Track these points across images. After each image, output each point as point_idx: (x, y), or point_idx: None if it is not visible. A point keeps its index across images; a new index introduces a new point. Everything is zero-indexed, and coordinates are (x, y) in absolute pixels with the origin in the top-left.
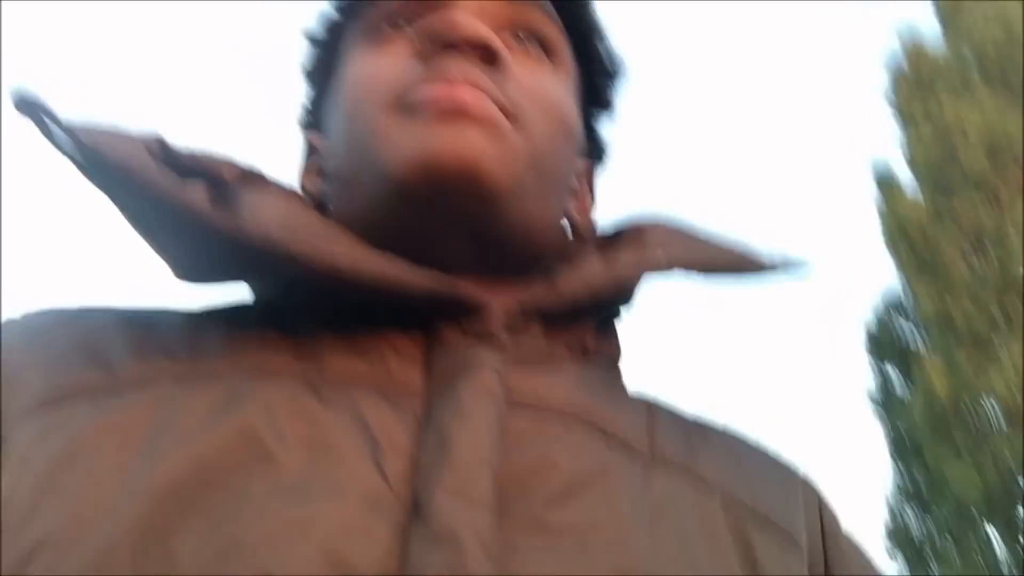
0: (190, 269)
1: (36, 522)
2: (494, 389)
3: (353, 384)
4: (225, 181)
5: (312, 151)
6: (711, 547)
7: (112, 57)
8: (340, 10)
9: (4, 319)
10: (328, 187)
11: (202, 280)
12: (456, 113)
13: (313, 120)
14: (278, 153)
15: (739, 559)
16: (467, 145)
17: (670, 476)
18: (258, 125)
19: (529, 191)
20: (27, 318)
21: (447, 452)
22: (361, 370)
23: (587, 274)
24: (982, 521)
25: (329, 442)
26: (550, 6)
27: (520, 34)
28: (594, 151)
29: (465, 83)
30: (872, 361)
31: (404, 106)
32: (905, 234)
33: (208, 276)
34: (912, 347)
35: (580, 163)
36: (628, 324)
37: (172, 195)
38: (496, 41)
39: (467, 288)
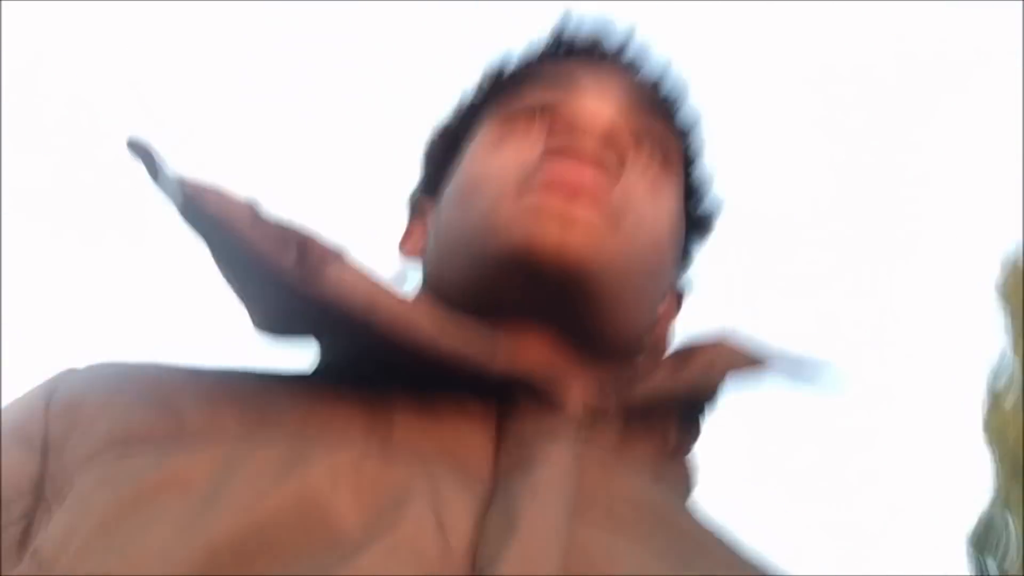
0: (270, 320)
1: (90, 563)
2: (568, 480)
3: (422, 452)
4: (310, 252)
5: (419, 214)
6: None
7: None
8: (481, 91)
9: (65, 369)
10: (429, 254)
11: (279, 332)
12: (569, 194)
13: (427, 188)
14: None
15: None
16: (571, 240)
17: None
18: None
19: (618, 291)
20: (94, 369)
21: (514, 531)
22: (431, 437)
23: (658, 379)
24: None
25: (393, 517)
26: (679, 122)
27: (644, 140)
28: (686, 268)
29: (582, 171)
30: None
31: (524, 189)
32: (1003, 438)
33: (287, 329)
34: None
35: (673, 280)
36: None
37: (265, 252)
38: (623, 140)
39: (543, 371)
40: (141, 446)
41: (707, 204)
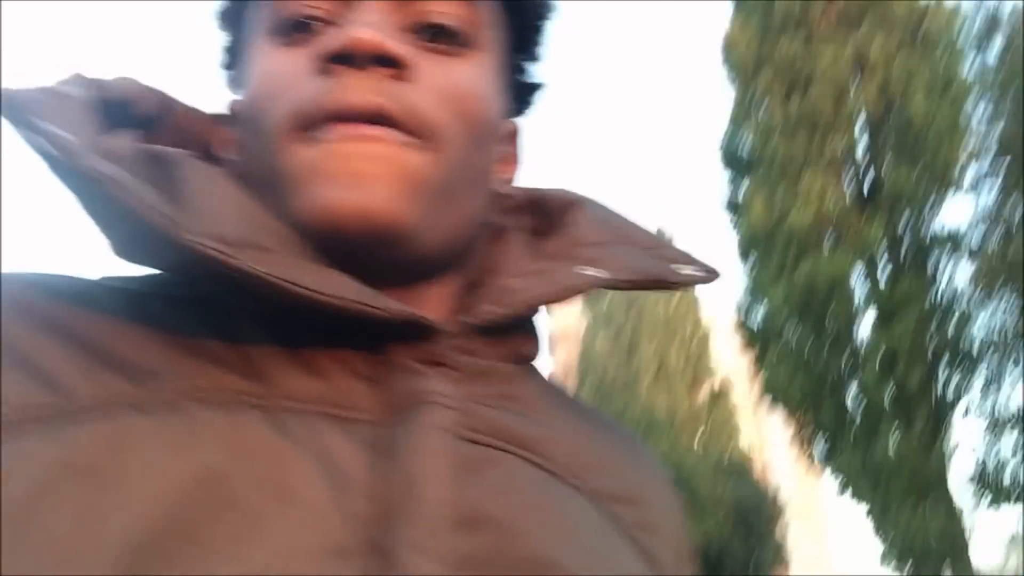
0: (131, 252)
1: (12, 567)
2: (448, 426)
3: (307, 412)
4: (165, 158)
5: (228, 116)
6: (615, 552)
7: None
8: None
9: None
10: (245, 170)
11: (141, 263)
12: (359, 157)
13: (232, 75)
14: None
15: (634, 555)
16: (369, 199)
17: (587, 503)
18: None
19: (446, 208)
20: None
21: (410, 500)
22: (314, 392)
23: (529, 292)
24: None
25: (291, 485)
26: None
27: (427, 29)
28: (523, 104)
29: (367, 101)
30: (724, 171)
31: (306, 133)
32: (738, 72)
33: (149, 262)
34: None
35: (506, 126)
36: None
37: (125, 199)
38: (398, 50)
39: (421, 312)
40: (27, 427)
41: (534, 30)
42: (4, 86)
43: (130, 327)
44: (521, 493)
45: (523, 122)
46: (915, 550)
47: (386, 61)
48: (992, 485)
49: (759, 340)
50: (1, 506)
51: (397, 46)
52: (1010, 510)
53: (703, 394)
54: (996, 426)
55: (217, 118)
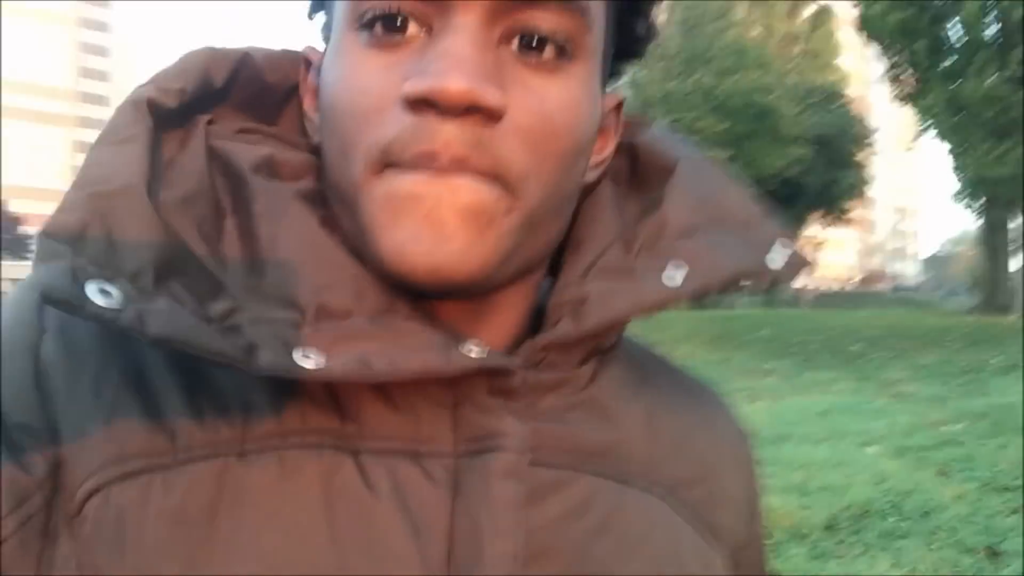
0: None
1: None
2: (514, 469)
3: (389, 451)
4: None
5: (309, 64)
6: (682, 550)
7: None
8: None
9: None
10: (324, 163)
11: None
12: (437, 205)
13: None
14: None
15: (699, 541)
16: (443, 252)
17: (657, 504)
18: None
19: (526, 244)
20: (65, 317)
21: (480, 552)
22: (395, 428)
23: (611, 308)
24: None
25: (376, 537)
26: None
27: (528, 39)
28: (633, 59)
29: (452, 153)
30: None
31: (387, 171)
32: None
33: None
34: None
35: (608, 103)
36: None
37: (192, 347)
38: (490, 100)
39: (499, 359)
40: (139, 473)
41: (637, 41)
42: (42, 233)
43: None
44: (589, 513)
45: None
46: (987, 189)
47: (477, 109)
48: None
49: None
50: (118, 550)
51: (490, 96)
52: None
53: (801, 20)
54: None
55: (303, 60)
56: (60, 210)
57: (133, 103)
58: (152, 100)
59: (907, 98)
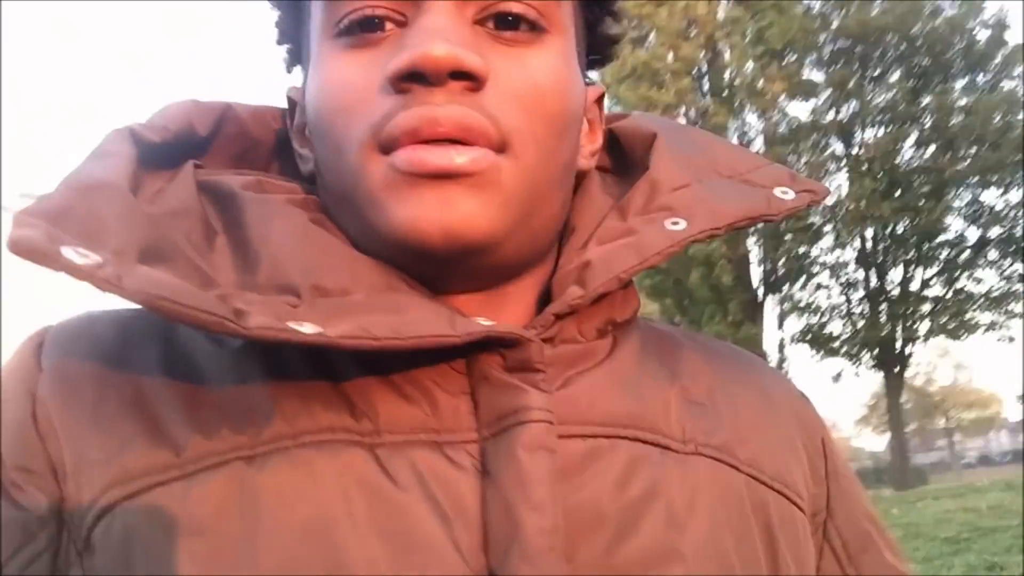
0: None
1: None
2: (543, 441)
3: (410, 442)
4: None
5: (294, 106)
6: (739, 534)
7: None
8: None
9: (37, 344)
10: (320, 181)
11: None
12: (441, 177)
13: (291, 55)
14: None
15: (762, 543)
16: (454, 214)
17: (705, 465)
18: None
19: (532, 211)
20: (60, 351)
21: (516, 530)
22: (413, 420)
23: (615, 265)
24: None
25: (404, 529)
26: None
27: (500, 19)
28: (604, 58)
29: (445, 119)
30: None
31: (384, 152)
32: None
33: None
34: None
35: (589, 95)
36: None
37: (178, 312)
38: (474, 64)
39: (508, 327)
40: (147, 490)
41: (607, 26)
42: (18, 210)
43: (223, 366)
44: (634, 479)
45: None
46: None
47: (461, 75)
48: None
49: None
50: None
51: (472, 59)
52: None
53: None
54: None
55: (286, 111)
56: (39, 199)
57: (116, 130)
58: (135, 131)
59: None
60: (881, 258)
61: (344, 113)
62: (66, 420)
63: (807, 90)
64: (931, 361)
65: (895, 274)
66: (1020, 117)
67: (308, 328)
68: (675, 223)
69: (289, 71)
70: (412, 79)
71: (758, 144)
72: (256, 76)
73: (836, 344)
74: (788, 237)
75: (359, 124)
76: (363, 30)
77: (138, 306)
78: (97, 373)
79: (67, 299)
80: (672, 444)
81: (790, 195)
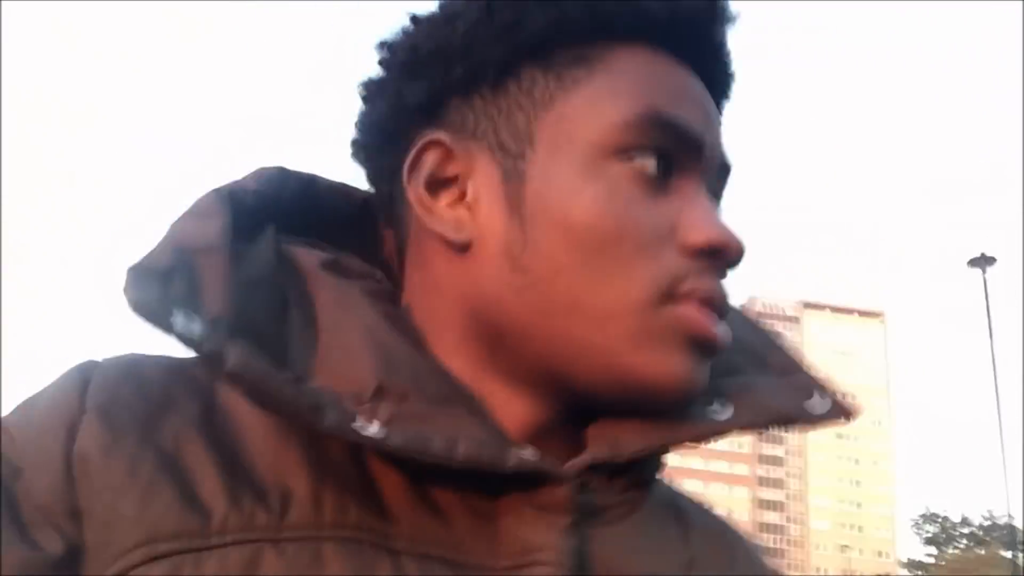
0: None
1: None
2: None
3: (427, 556)
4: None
5: (445, 163)
6: None
7: None
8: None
9: (82, 380)
10: (495, 257)
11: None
12: (705, 349)
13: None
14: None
15: None
16: (702, 380)
17: None
18: None
19: None
20: (106, 394)
21: None
22: (434, 533)
23: (648, 442)
24: None
25: None
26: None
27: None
28: None
29: (723, 304)
30: None
31: (666, 299)
32: None
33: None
34: None
35: None
36: None
37: (263, 390)
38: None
39: (555, 467)
40: (173, 555)
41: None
42: (130, 267)
43: (265, 430)
44: None
45: None
46: None
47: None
48: None
49: None
50: None
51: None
52: None
53: None
54: None
55: (368, 193)
56: (147, 256)
57: (215, 191)
58: (233, 192)
59: None
60: None
61: (631, 249)
62: (104, 469)
63: None
64: None
65: None
66: None
67: (372, 430)
68: (717, 412)
69: (423, 112)
70: (708, 255)
71: None
72: (256, 76)
73: None
74: None
75: (648, 267)
76: (658, 169)
77: (189, 355)
78: (140, 423)
79: (67, 300)
80: None
81: (820, 408)
